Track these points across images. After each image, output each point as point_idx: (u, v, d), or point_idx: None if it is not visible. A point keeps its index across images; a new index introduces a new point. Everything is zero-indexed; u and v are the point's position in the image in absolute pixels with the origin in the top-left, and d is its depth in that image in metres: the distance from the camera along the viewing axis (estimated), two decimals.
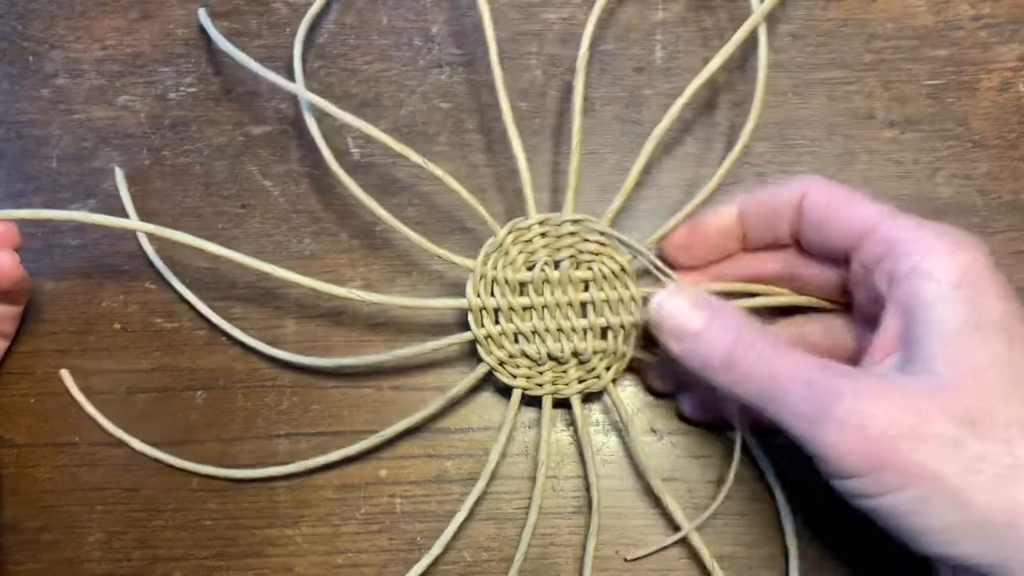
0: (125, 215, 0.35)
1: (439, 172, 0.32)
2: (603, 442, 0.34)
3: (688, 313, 0.28)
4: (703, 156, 0.36)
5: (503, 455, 0.33)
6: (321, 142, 0.34)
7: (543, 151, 0.36)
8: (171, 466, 0.34)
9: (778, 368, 0.27)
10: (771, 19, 0.37)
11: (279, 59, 0.37)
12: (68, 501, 0.34)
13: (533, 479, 0.33)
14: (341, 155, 0.36)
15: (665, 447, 0.34)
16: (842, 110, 0.36)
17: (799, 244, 0.31)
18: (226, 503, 0.34)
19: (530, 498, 0.33)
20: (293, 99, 0.37)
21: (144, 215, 0.36)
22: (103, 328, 0.35)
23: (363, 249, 0.35)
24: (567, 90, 0.37)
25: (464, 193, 0.33)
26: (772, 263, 0.32)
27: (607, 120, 0.36)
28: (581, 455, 0.33)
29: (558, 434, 0.34)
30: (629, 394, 0.34)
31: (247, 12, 0.37)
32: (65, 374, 0.34)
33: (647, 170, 0.35)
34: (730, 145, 0.35)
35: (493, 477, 0.33)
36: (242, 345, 0.34)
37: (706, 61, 0.33)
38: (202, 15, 0.36)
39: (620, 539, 0.33)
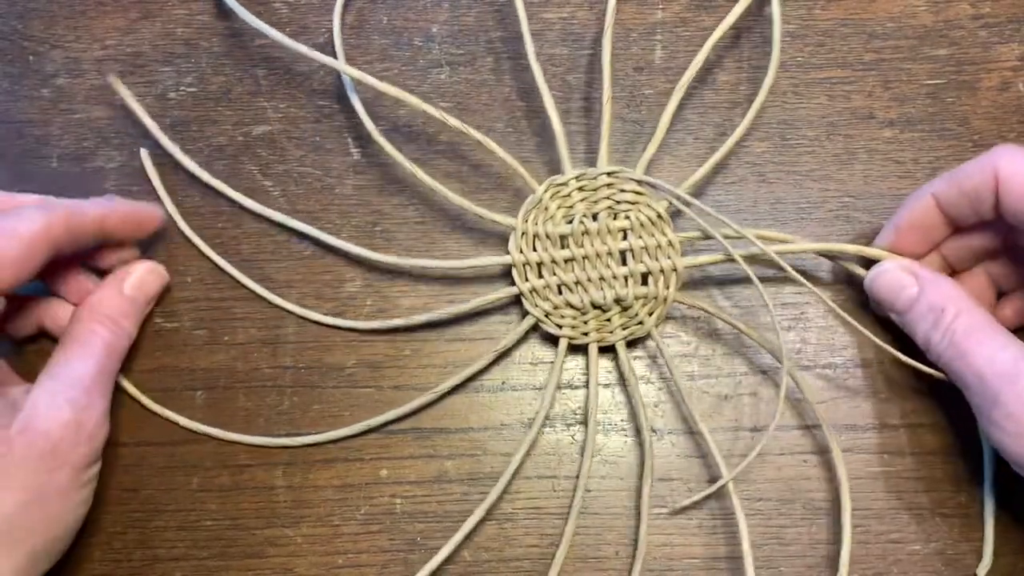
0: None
1: (478, 135, 0.33)
2: (603, 442, 0.34)
3: (896, 290, 0.32)
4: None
5: (501, 454, 0.34)
6: (364, 115, 0.34)
7: (545, 150, 0.36)
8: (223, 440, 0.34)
9: (962, 352, 0.29)
10: (771, 19, 0.37)
11: (278, 59, 0.37)
12: None
13: (533, 479, 0.33)
14: (340, 155, 0.36)
15: (665, 447, 0.34)
16: (842, 109, 0.36)
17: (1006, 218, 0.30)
18: (226, 503, 0.34)
19: (530, 498, 0.33)
20: (293, 99, 0.37)
21: None
22: None
23: (363, 249, 0.35)
24: (568, 89, 0.37)
25: (501, 152, 0.34)
26: (985, 240, 0.32)
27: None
28: (629, 401, 0.34)
29: (558, 435, 0.34)
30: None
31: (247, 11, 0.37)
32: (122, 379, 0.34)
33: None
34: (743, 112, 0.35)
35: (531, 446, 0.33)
36: (302, 318, 0.35)
37: (705, 61, 0.34)
38: None
39: (621, 539, 0.33)
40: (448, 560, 0.33)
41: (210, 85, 0.37)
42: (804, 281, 0.32)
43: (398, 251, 0.35)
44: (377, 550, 0.33)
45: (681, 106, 0.36)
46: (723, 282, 0.35)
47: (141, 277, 0.34)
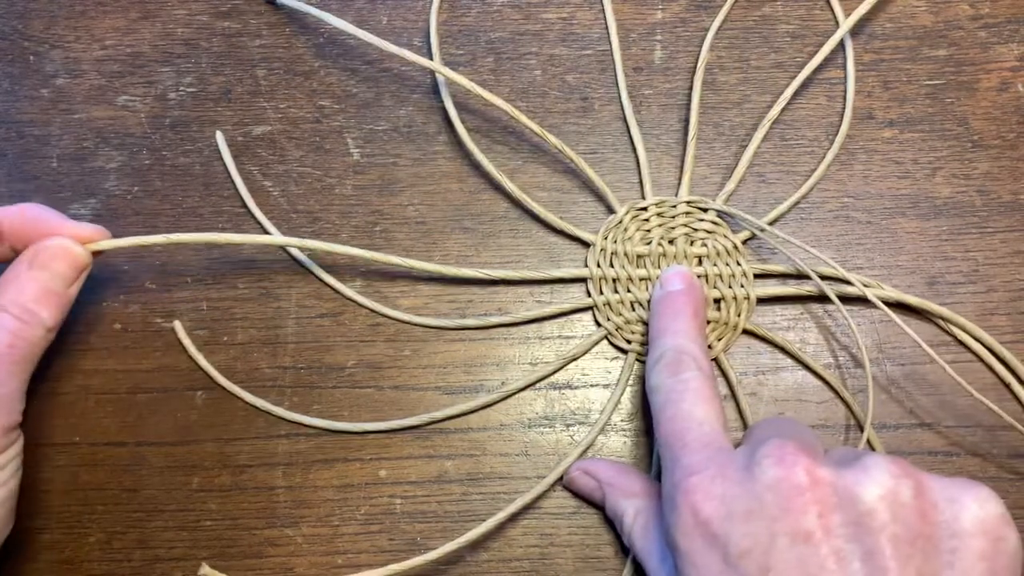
0: (130, 215, 0.36)
1: (572, 154, 0.35)
2: (603, 442, 0.34)
3: (588, 494, 0.33)
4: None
5: (501, 454, 0.34)
6: (456, 118, 0.35)
7: (544, 150, 0.36)
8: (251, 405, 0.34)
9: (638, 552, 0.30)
10: (771, 19, 0.37)
11: (278, 59, 0.37)
12: (68, 501, 0.34)
13: (533, 479, 0.33)
14: (340, 155, 0.36)
15: None
16: (842, 110, 0.36)
17: None
18: (226, 503, 0.34)
19: (532, 497, 0.33)
20: (293, 99, 0.37)
21: (144, 215, 0.36)
22: (103, 328, 0.35)
23: (363, 249, 0.35)
24: (567, 89, 0.37)
25: (591, 173, 0.35)
26: None
27: (607, 120, 0.36)
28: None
29: (557, 435, 0.34)
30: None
31: (247, 12, 0.37)
32: (178, 325, 0.35)
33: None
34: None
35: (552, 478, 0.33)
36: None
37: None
38: None
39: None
40: (448, 560, 0.33)
41: (210, 85, 0.37)
42: (907, 328, 0.31)
43: (398, 251, 0.35)
44: (377, 550, 0.33)
45: (681, 106, 0.36)
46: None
47: (52, 253, 0.30)
